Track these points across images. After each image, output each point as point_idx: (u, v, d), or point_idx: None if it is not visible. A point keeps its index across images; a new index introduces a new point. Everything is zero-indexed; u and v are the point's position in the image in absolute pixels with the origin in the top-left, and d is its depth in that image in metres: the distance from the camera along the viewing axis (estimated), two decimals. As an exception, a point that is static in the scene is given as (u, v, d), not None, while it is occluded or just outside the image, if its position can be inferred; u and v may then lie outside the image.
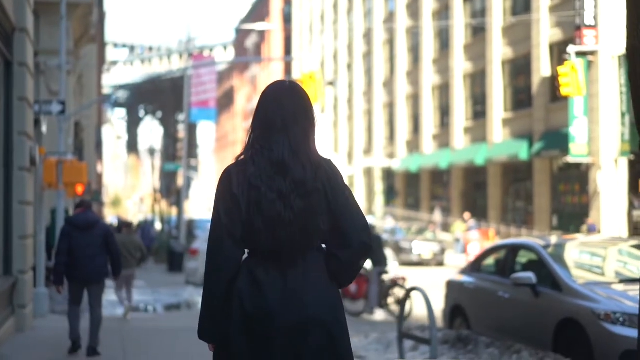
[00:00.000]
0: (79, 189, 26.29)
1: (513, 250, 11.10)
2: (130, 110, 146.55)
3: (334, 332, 3.45)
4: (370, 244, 3.59)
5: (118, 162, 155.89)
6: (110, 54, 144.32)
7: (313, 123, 3.63)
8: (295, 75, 68.89)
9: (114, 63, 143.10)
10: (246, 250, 3.53)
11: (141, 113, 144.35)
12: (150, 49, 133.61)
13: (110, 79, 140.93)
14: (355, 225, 3.53)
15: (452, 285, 12.34)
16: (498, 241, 35.43)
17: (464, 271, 12.11)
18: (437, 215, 40.69)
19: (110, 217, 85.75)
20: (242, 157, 3.56)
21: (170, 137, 68.15)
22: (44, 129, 17.80)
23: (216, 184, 3.60)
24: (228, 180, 3.50)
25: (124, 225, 18.79)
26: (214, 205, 3.51)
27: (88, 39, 34.31)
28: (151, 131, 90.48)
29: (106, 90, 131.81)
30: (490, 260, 11.66)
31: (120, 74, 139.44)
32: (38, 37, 29.50)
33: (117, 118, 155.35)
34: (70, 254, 10.46)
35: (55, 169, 15.98)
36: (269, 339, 3.41)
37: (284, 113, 3.55)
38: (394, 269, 19.80)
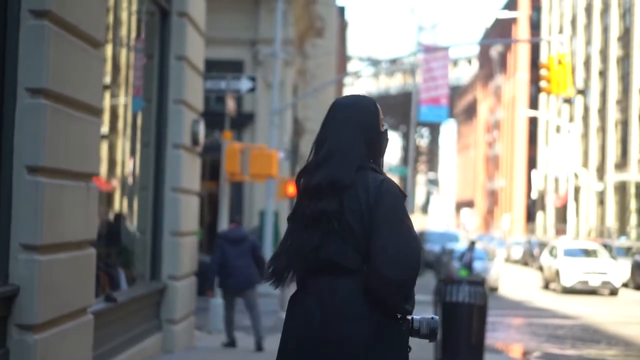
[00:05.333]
0: (291, 189, 24.09)
1: None
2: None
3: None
4: (398, 279, 3.19)
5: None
6: (354, 66, 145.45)
7: (366, 135, 3.45)
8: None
9: (358, 76, 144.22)
10: None
11: (384, 127, 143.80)
12: (394, 61, 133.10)
13: (355, 93, 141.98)
14: (381, 249, 3.22)
15: None
16: None
17: None
18: None
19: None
20: None
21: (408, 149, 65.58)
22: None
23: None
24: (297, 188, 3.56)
25: None
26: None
27: (315, 32, 32.18)
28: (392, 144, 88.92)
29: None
30: None
31: (363, 87, 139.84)
32: (257, 26, 27.76)
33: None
34: (223, 264, 11.69)
35: (238, 156, 13.35)
36: (293, 354, 3.32)
37: (335, 122, 3.48)
38: None
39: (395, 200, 3.31)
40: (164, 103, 10.28)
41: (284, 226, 28.58)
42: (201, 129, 11.00)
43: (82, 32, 6.23)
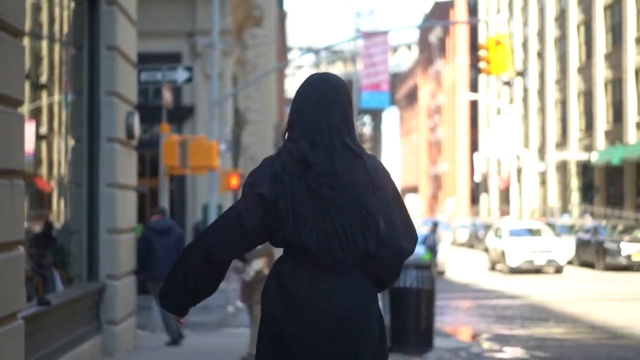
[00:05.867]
0: (234, 181, 23.78)
1: None
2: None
3: (351, 352, 3.34)
4: (412, 249, 3.48)
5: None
6: (295, 57, 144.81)
7: (343, 112, 3.48)
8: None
9: (299, 67, 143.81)
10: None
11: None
12: (335, 52, 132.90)
13: (297, 83, 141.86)
14: (395, 225, 3.42)
15: None
16: None
17: None
18: None
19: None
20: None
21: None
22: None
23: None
24: (256, 174, 3.42)
25: None
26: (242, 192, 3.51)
27: (253, 22, 31.81)
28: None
29: (291, 94, 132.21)
30: None
31: (304, 77, 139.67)
32: (194, 17, 27.34)
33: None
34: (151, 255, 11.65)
35: (177, 149, 13.00)
36: (291, 343, 3.34)
37: (310, 104, 3.47)
38: None
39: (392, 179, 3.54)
40: (95, 95, 9.90)
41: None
42: (136, 121, 10.63)
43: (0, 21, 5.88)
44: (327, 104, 3.45)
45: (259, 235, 3.40)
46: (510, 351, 11.84)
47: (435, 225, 27.78)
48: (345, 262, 3.33)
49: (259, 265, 9.63)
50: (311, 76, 3.59)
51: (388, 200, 3.41)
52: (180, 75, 13.77)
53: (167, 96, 13.70)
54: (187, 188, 26.44)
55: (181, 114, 26.85)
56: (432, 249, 25.96)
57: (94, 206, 9.87)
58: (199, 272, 3.40)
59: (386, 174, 3.45)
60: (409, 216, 3.50)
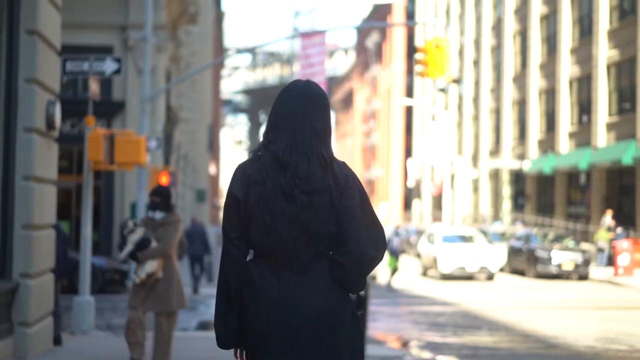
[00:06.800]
0: (164, 180, 23.11)
1: None
2: (252, 115, 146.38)
3: (321, 352, 3.44)
4: (376, 255, 3.52)
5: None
6: (232, 59, 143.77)
7: (323, 119, 3.61)
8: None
9: (236, 68, 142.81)
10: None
11: (262, 118, 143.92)
12: (272, 54, 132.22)
13: (233, 85, 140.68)
14: (358, 232, 3.47)
15: None
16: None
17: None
18: (609, 221, 33.88)
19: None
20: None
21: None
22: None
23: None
24: (232, 181, 3.54)
25: None
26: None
27: (188, 18, 31.15)
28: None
29: (226, 96, 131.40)
30: None
31: (241, 79, 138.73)
32: (127, 11, 26.60)
33: (237, 123, 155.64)
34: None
35: (102, 143, 12.38)
36: (263, 344, 3.45)
37: (293, 109, 3.58)
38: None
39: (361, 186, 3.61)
40: (13, 82, 9.26)
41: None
42: (57, 111, 9.98)
43: None
44: (310, 111, 3.57)
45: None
46: (443, 360, 11.52)
47: (397, 227, 27.50)
48: (308, 266, 3.46)
49: (152, 267, 8.82)
50: (295, 82, 3.69)
51: (355, 208, 3.50)
52: (109, 66, 13.13)
53: (94, 87, 13.06)
54: (115, 185, 25.69)
55: (111, 110, 26.11)
56: (396, 254, 25.68)
57: (9, 200, 9.23)
58: (236, 295, 3.56)
59: (355, 182, 3.55)
60: (377, 223, 3.56)
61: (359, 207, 3.51)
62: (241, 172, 3.52)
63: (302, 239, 3.43)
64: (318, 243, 3.46)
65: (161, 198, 9.01)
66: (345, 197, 3.49)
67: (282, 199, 3.44)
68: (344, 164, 3.59)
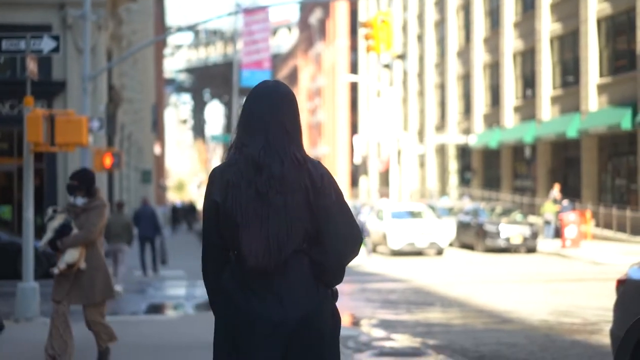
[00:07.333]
0: (108, 161, 22.60)
1: None
2: (195, 94, 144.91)
3: (310, 344, 3.49)
4: (353, 252, 3.61)
5: (183, 146, 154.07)
6: (175, 36, 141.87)
7: (294, 120, 3.63)
8: (362, 49, 64.79)
9: (179, 47, 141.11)
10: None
11: (207, 97, 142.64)
12: (215, 33, 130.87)
13: (176, 63, 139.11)
14: (336, 231, 3.53)
15: (635, 289, 6.88)
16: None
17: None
18: (556, 194, 34.05)
19: (177, 201, 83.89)
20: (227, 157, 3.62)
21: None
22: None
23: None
24: (210, 185, 3.58)
25: (117, 204, 20.08)
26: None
27: (127, -4, 30.45)
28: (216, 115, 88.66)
29: (169, 75, 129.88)
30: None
31: (184, 58, 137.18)
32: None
33: (181, 102, 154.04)
34: None
35: (42, 123, 11.91)
36: (249, 341, 3.49)
37: (264, 110, 3.60)
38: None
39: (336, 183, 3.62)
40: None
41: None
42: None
43: None
44: (280, 111, 3.59)
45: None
46: (399, 339, 11.34)
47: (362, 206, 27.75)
48: (287, 264, 3.48)
49: (73, 256, 8.12)
50: (264, 82, 3.71)
51: (331, 207, 3.53)
52: (47, 44, 12.64)
53: (32, 66, 12.56)
54: (58, 167, 25.05)
55: (52, 90, 25.42)
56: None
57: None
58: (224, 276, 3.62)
59: (331, 181, 3.58)
60: (352, 221, 3.60)
61: (335, 206, 3.55)
62: (219, 176, 3.55)
63: (278, 239, 3.47)
64: (295, 242, 3.49)
65: (79, 181, 8.28)
66: (322, 197, 3.52)
67: (257, 200, 3.48)
68: (319, 163, 3.62)
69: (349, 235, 3.56)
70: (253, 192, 3.48)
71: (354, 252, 3.62)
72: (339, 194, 3.59)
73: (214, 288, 3.62)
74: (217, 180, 3.54)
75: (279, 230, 3.47)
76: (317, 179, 3.53)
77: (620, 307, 7.17)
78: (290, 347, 3.48)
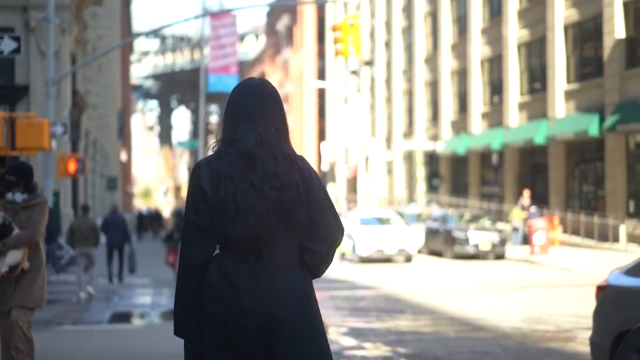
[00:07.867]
0: (71, 167, 22.16)
1: None
2: (162, 100, 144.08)
3: (301, 332, 3.53)
4: (341, 238, 3.72)
5: (150, 153, 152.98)
6: (141, 42, 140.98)
7: (282, 117, 3.73)
8: (330, 52, 64.80)
9: (145, 53, 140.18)
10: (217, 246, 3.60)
11: (173, 104, 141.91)
12: (182, 39, 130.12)
13: (142, 70, 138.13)
14: (329, 220, 3.65)
15: (616, 295, 6.83)
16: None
17: (633, 271, 7.08)
18: (526, 201, 34.04)
19: (143, 209, 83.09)
20: (214, 150, 3.61)
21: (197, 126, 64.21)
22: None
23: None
24: (197, 175, 3.56)
25: (82, 207, 19.60)
26: (185, 201, 3.62)
27: (93, 0, 30.05)
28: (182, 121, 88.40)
29: (136, 81, 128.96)
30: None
31: (151, 64, 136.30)
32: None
33: (147, 109, 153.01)
34: None
35: (1, 127, 11.53)
36: (238, 333, 3.49)
37: (252, 105, 3.64)
38: None
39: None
40: None
41: (65, 208, 26.11)
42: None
43: None
44: (268, 109, 3.66)
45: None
46: (370, 347, 11.08)
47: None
48: (279, 255, 3.55)
49: (15, 258, 7.33)
50: (250, 79, 3.76)
51: (321, 199, 3.64)
52: (7, 45, 12.25)
53: (-8, 68, 12.18)
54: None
55: (14, 94, 24.97)
56: None
57: None
58: (197, 286, 3.56)
59: (316, 175, 3.68)
60: (334, 209, 3.71)
61: (325, 197, 3.67)
62: (207, 167, 3.55)
63: (271, 231, 3.52)
64: (288, 234, 3.57)
65: (17, 177, 7.53)
66: (313, 190, 3.62)
67: (252, 194, 3.52)
68: (302, 157, 3.68)
69: (340, 224, 3.70)
70: (247, 185, 3.53)
71: (341, 239, 3.74)
72: (324, 187, 3.73)
73: (187, 304, 3.58)
74: (204, 171, 3.54)
75: (275, 221, 3.53)
76: (307, 173, 3.62)
77: (600, 315, 6.97)
78: (280, 338, 3.50)
